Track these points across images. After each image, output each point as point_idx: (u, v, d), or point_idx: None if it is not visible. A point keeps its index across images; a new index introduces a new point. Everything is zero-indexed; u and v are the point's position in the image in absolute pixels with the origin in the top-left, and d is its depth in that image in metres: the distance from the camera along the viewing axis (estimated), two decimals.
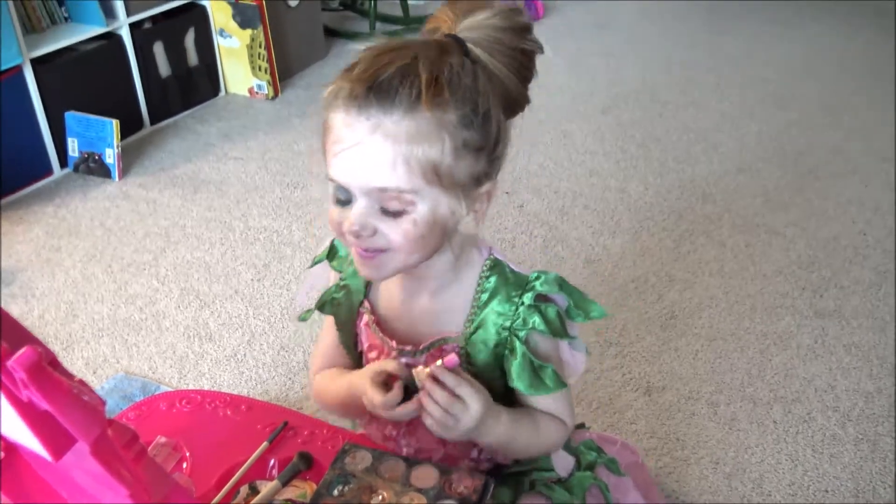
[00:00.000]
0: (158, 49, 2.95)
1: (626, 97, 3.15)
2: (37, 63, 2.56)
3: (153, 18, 2.92)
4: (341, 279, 1.05)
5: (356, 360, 1.07)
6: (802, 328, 1.95)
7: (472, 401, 0.88)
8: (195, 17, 3.05)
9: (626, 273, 2.14)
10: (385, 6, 3.82)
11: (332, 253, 1.08)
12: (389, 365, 0.93)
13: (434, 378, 0.88)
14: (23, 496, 0.68)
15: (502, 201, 2.42)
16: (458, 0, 0.87)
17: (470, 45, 0.84)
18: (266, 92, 3.19)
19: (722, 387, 1.79)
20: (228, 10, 3.08)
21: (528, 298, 0.94)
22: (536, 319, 0.93)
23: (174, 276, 2.19)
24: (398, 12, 3.79)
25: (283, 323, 2.01)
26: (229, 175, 2.69)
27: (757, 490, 1.55)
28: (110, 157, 2.67)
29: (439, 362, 0.89)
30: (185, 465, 1.05)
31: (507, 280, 0.96)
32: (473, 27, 0.85)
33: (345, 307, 1.05)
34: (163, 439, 1.08)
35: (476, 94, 0.83)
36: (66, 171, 2.73)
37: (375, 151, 0.81)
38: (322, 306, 1.07)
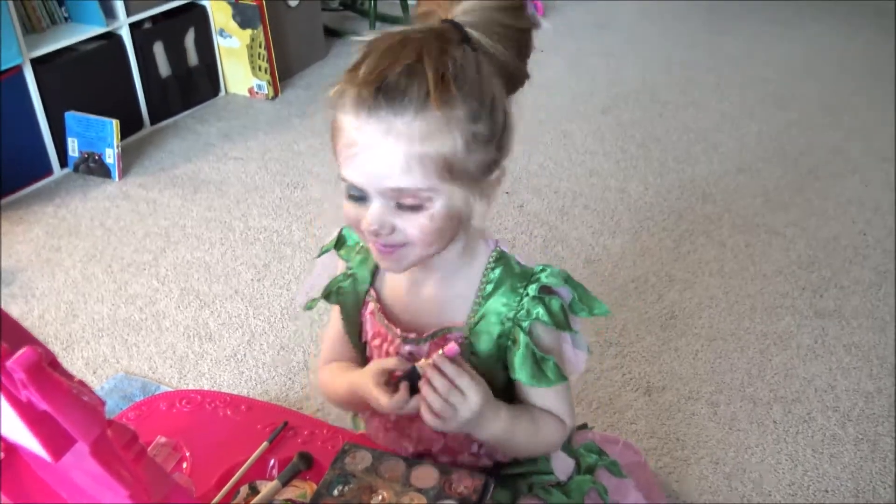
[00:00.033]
0: (158, 49, 2.95)
1: (626, 97, 3.15)
2: (37, 63, 2.56)
3: (153, 18, 2.92)
4: (348, 268, 1.06)
5: (361, 350, 1.08)
6: (802, 328, 1.95)
7: (472, 392, 0.88)
8: (195, 17, 3.05)
9: (626, 273, 2.14)
10: (385, 6, 3.82)
11: (339, 242, 1.08)
12: (389, 362, 0.93)
13: (434, 367, 0.88)
14: (23, 496, 0.68)
15: (502, 201, 2.42)
16: None
17: (468, 29, 0.84)
18: (266, 92, 3.19)
19: (722, 387, 1.79)
20: (228, 10, 3.08)
21: (532, 290, 0.94)
22: (540, 310, 0.93)
23: (174, 276, 2.20)
24: (398, 12, 3.79)
25: (283, 323, 2.01)
26: (229, 175, 2.69)
27: (757, 490, 1.55)
28: (110, 157, 2.67)
29: (440, 352, 0.89)
30: (185, 465, 1.06)
31: (513, 272, 0.97)
32: (469, 10, 0.85)
33: (351, 296, 1.05)
34: (163, 439, 1.08)
35: (481, 85, 0.84)
36: (66, 171, 2.73)
37: (389, 154, 0.82)
38: (328, 295, 1.07)
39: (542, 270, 0.96)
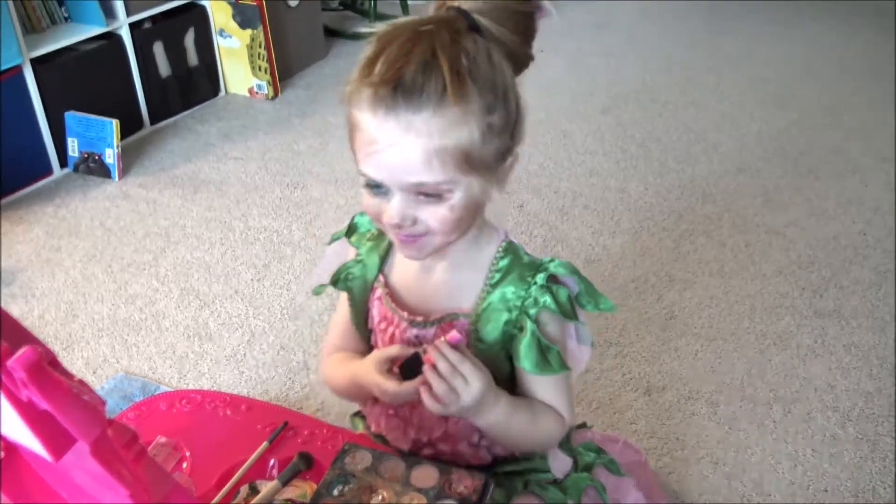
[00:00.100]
0: (158, 49, 2.95)
1: (626, 97, 3.15)
2: (37, 63, 2.56)
3: (153, 18, 2.92)
4: (358, 255, 1.07)
5: (366, 338, 1.08)
6: (802, 328, 1.95)
7: (474, 378, 0.89)
8: (195, 17, 3.05)
9: (626, 273, 2.14)
10: (385, 6, 3.82)
11: (351, 230, 1.09)
12: (392, 350, 0.95)
13: (438, 352, 0.89)
14: (23, 496, 0.68)
15: (496, 203, 2.42)
16: None
17: (475, 16, 0.85)
18: (266, 92, 3.19)
19: (722, 387, 1.79)
20: (228, 10, 3.08)
21: (540, 279, 0.96)
22: (548, 299, 0.95)
23: (174, 276, 2.19)
24: (398, 12, 3.79)
25: (283, 323, 2.01)
26: (229, 175, 2.69)
27: (757, 490, 1.55)
28: (110, 157, 2.67)
29: (443, 339, 0.89)
30: (185, 465, 1.06)
31: (521, 261, 0.98)
32: None
33: (359, 281, 1.06)
34: (163, 439, 1.08)
35: (494, 75, 0.85)
36: (66, 171, 2.73)
37: (409, 151, 0.83)
38: (336, 282, 1.08)
39: (551, 261, 0.98)
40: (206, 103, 3.17)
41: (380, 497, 0.92)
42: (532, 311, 0.95)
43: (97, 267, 2.25)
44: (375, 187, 0.89)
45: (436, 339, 0.97)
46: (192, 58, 3.08)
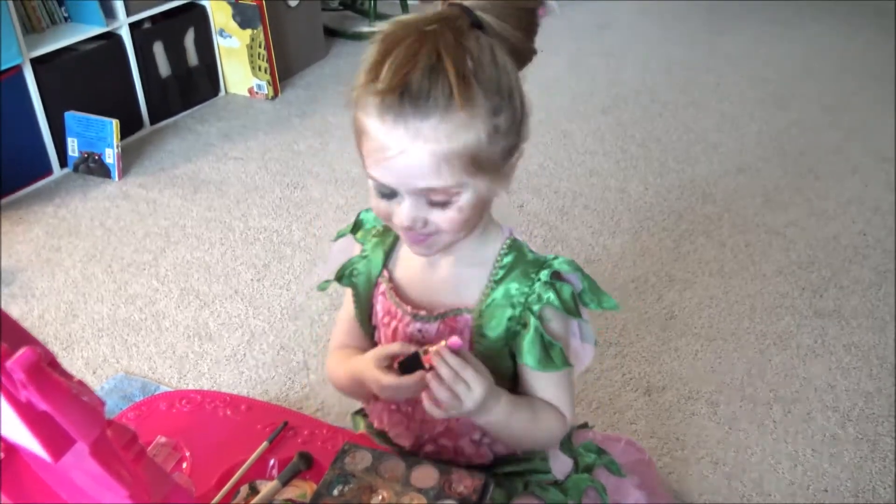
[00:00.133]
0: (158, 49, 2.95)
1: (626, 97, 3.15)
2: (37, 63, 2.56)
3: (153, 18, 2.92)
4: (363, 251, 1.07)
5: (370, 335, 1.09)
6: (802, 328, 1.95)
7: (476, 384, 0.89)
8: (195, 17, 3.05)
9: (626, 273, 2.14)
10: (385, 6, 3.82)
11: (356, 226, 1.10)
12: (392, 347, 0.95)
13: (439, 357, 0.89)
14: (23, 496, 0.68)
15: (502, 201, 2.42)
16: None
17: (478, 13, 0.85)
18: (266, 92, 3.19)
19: (722, 387, 1.79)
20: (228, 10, 3.08)
21: (544, 275, 0.96)
22: (551, 295, 0.95)
23: (174, 276, 2.19)
24: (398, 12, 3.79)
25: (283, 323, 2.01)
26: (229, 175, 2.69)
27: (757, 490, 1.55)
28: (110, 156, 2.67)
29: (443, 343, 0.89)
30: (185, 465, 1.05)
31: (525, 258, 0.99)
32: None
33: (364, 277, 1.07)
34: (163, 439, 1.08)
35: (499, 76, 0.85)
36: (66, 171, 2.73)
37: (419, 157, 0.84)
38: (341, 278, 1.09)
39: (555, 258, 0.98)
40: (206, 103, 3.17)
41: (380, 497, 0.92)
42: (535, 308, 0.95)
43: (97, 267, 2.25)
44: (385, 191, 0.89)
45: (439, 334, 0.98)
46: (192, 58, 3.08)
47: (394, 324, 1.02)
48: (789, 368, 1.83)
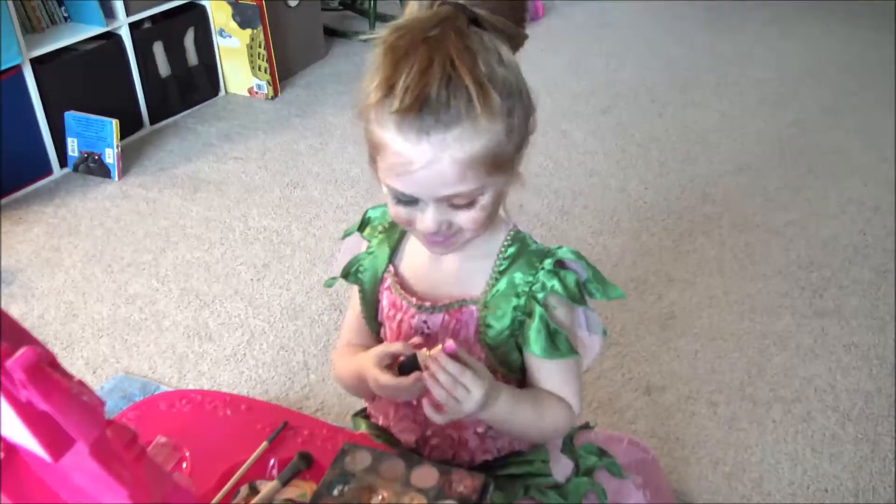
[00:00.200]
0: (158, 49, 2.95)
1: (626, 97, 3.15)
2: (37, 63, 2.56)
3: (153, 18, 2.92)
4: (369, 247, 1.08)
5: (376, 332, 1.10)
6: (802, 328, 1.95)
7: (475, 386, 0.90)
8: (195, 16, 3.05)
9: (626, 273, 2.14)
10: (385, 6, 3.82)
11: (363, 224, 1.11)
12: (394, 347, 0.95)
13: (437, 363, 0.89)
14: (23, 496, 0.68)
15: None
16: None
17: (475, 10, 0.86)
18: (266, 92, 3.19)
19: (722, 387, 1.79)
20: (228, 9, 3.08)
21: (548, 264, 0.97)
22: (555, 283, 0.96)
23: (174, 276, 2.19)
24: (398, 12, 3.78)
25: (283, 323, 2.01)
26: (229, 175, 2.69)
27: (757, 490, 1.55)
28: (110, 156, 2.67)
29: (439, 347, 0.89)
30: (185, 465, 1.05)
31: (529, 248, 1.00)
32: None
33: (370, 273, 1.07)
34: (163, 439, 1.08)
35: (508, 75, 0.86)
36: (66, 170, 2.73)
37: (446, 167, 0.85)
38: (347, 275, 1.10)
39: (559, 248, 0.99)
40: (205, 103, 3.17)
41: (380, 497, 0.91)
42: (540, 296, 0.96)
43: (97, 267, 2.24)
44: (405, 199, 0.90)
45: (444, 325, 0.99)
46: (192, 58, 3.08)
47: (399, 316, 1.03)
48: (789, 368, 1.83)
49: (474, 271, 1.00)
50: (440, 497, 0.91)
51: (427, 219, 0.90)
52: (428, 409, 0.91)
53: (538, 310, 0.96)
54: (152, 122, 2.98)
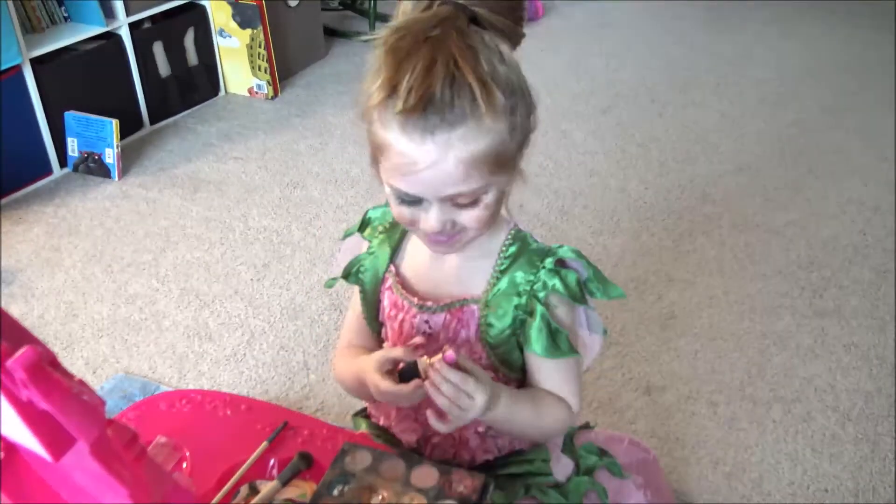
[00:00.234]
0: (158, 49, 2.95)
1: (626, 97, 3.15)
2: (37, 63, 2.56)
3: (153, 18, 2.92)
4: (370, 248, 1.08)
5: (378, 333, 1.10)
6: (802, 328, 1.95)
7: (478, 394, 0.90)
8: (195, 16, 3.05)
9: (626, 273, 2.14)
10: (385, 6, 3.82)
11: (364, 225, 1.11)
12: (395, 352, 0.95)
13: (438, 373, 0.89)
14: (23, 496, 0.68)
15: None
16: None
17: (475, 9, 0.86)
18: (266, 92, 3.19)
19: (722, 387, 1.79)
20: (228, 9, 3.08)
21: (549, 263, 0.98)
22: (556, 282, 0.96)
23: (174, 276, 2.19)
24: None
25: (283, 323, 2.01)
26: (229, 175, 2.69)
27: (757, 490, 1.55)
28: (110, 156, 2.67)
29: (439, 356, 0.89)
30: (185, 465, 1.05)
31: (530, 247, 1.00)
32: None
33: (370, 273, 1.07)
34: (163, 439, 1.08)
35: (510, 73, 0.86)
36: (66, 170, 2.73)
37: (450, 167, 0.85)
38: (348, 275, 1.10)
39: (560, 247, 1.00)
40: (205, 103, 3.17)
41: (380, 497, 0.91)
42: (541, 295, 0.96)
43: (97, 267, 2.24)
44: (409, 199, 0.90)
45: (445, 324, 0.99)
46: (192, 58, 3.08)
47: (401, 316, 1.03)
48: (789, 368, 1.83)
49: (475, 270, 1.00)
50: (440, 497, 0.91)
51: (431, 218, 0.90)
52: (432, 419, 0.91)
53: (539, 309, 0.96)
54: (152, 122, 2.98)
